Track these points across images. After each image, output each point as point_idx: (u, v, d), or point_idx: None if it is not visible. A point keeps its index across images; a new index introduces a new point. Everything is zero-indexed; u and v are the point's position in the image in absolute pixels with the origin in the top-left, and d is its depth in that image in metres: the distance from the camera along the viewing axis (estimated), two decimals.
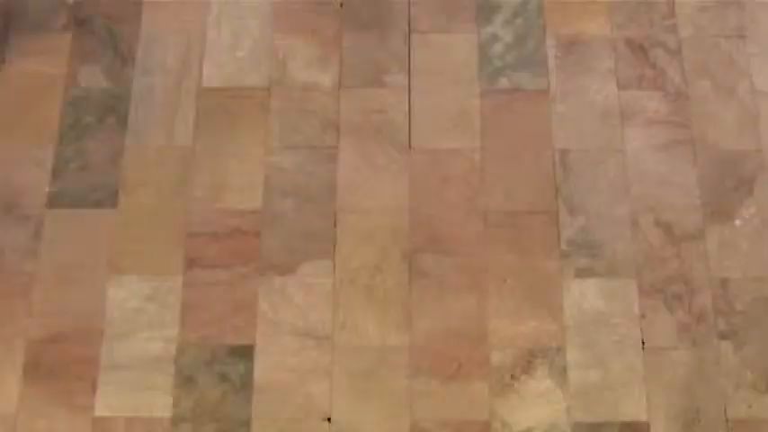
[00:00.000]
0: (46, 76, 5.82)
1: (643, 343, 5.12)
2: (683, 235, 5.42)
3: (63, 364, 5.09)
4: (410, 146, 5.70)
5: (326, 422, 5.01)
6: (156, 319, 5.22)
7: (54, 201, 5.46)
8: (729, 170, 5.56)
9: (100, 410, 5.00)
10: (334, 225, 5.46)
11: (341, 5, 6.06)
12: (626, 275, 5.23)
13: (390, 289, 5.30)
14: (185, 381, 5.10)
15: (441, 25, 5.99)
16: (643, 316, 5.18)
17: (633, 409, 4.97)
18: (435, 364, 5.12)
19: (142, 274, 5.28)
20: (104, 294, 5.23)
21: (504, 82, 5.86)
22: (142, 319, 5.20)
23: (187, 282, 5.28)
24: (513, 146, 5.69)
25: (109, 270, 5.28)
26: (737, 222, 5.48)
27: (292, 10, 6.07)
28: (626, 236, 5.37)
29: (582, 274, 5.30)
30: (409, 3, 6.06)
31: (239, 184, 5.58)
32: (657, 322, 5.19)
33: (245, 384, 5.08)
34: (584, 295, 5.26)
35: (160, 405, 5.03)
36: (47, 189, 5.51)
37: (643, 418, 4.97)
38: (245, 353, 5.15)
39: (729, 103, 5.73)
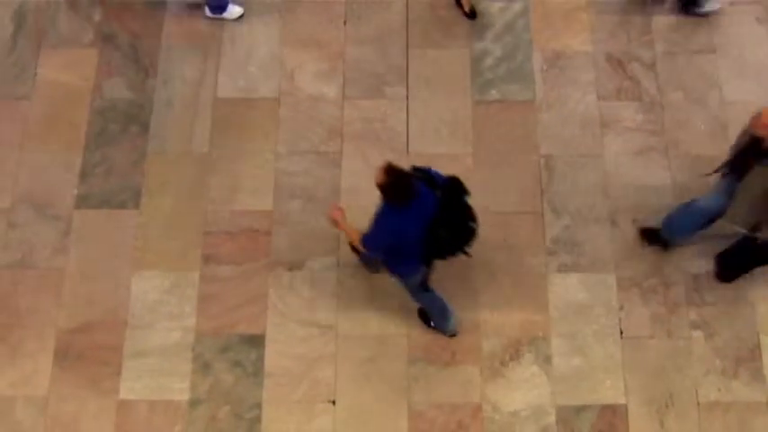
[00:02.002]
0: (74, 88, 5.88)
1: (621, 332, 5.14)
2: None
3: (90, 352, 5.14)
4: (408, 151, 5.71)
5: (331, 404, 5.03)
6: (175, 311, 5.26)
7: (82, 202, 5.51)
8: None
9: (124, 394, 5.04)
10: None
11: (344, 23, 6.13)
12: (605, 271, 5.23)
13: (390, 283, 5.20)
14: (202, 367, 5.12)
15: (436, 41, 6.01)
16: (621, 308, 5.20)
17: (612, 393, 5.00)
18: (431, 351, 5.14)
19: (162, 270, 5.31)
20: (128, 288, 5.28)
21: (494, 93, 5.88)
22: (162, 310, 5.24)
23: (204, 276, 5.30)
24: (503, 152, 5.69)
25: (132, 265, 5.33)
26: None
27: (300, 27, 6.06)
28: (605, 234, 5.37)
29: (565, 269, 5.33)
30: (407, 20, 6.09)
31: (251, 186, 5.60)
32: (634, 313, 5.21)
33: (257, 370, 5.11)
34: (567, 289, 5.27)
35: (179, 389, 5.07)
36: (75, 191, 5.57)
37: (621, 401, 4.99)
38: (256, 341, 5.17)
39: (700, 113, 5.72)
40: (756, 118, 4.15)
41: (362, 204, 5.48)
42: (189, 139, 5.64)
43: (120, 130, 5.66)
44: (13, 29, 5.94)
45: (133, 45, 5.90)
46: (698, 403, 4.93)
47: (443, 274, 5.25)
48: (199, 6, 5.97)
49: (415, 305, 5.13)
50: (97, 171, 5.54)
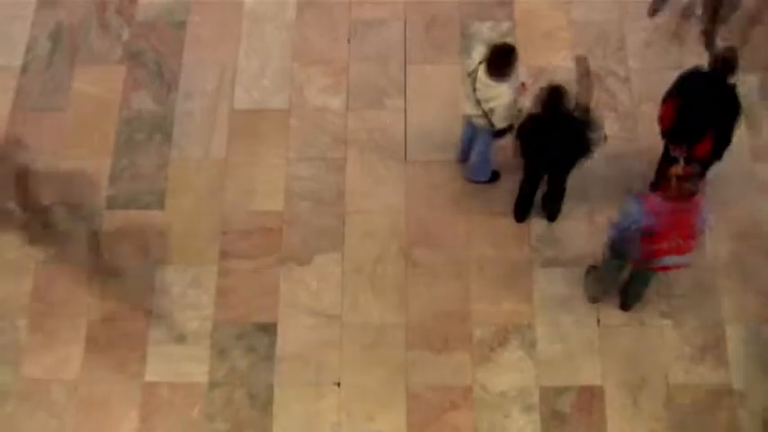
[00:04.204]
0: (104, 101, 5.91)
1: (598, 321, 5.15)
2: None
3: (118, 339, 5.18)
4: (406, 158, 5.72)
5: (336, 386, 5.06)
6: (195, 302, 5.28)
7: (111, 203, 5.54)
8: None
9: (149, 377, 5.08)
10: (343, 224, 5.50)
11: (348, 42, 6.15)
12: (584, 265, 5.22)
13: (389, 277, 5.33)
14: (219, 352, 5.15)
15: (431, 58, 6.02)
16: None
17: (590, 376, 5.01)
18: (427, 339, 5.16)
19: (184, 264, 5.34)
20: (153, 281, 5.31)
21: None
22: (184, 301, 5.27)
23: (221, 270, 5.32)
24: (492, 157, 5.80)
25: (156, 261, 5.35)
26: None
27: (308, 45, 6.07)
28: (585, 232, 5.37)
29: (548, 264, 5.34)
30: (405, 39, 6.09)
31: (264, 189, 5.62)
32: (610, 304, 5.18)
33: (269, 355, 5.13)
34: (550, 282, 5.27)
35: (198, 372, 5.09)
36: (105, 194, 5.59)
37: (598, 383, 5.00)
38: (269, 329, 5.20)
39: None
40: None
41: (364, 206, 5.55)
42: (208, 146, 5.67)
43: (146, 138, 5.69)
44: (50, 47, 6.00)
45: (157, 62, 5.95)
46: (667, 385, 4.95)
47: (436, 267, 5.29)
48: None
49: (412, 294, 5.15)
50: (125, 175, 5.57)
